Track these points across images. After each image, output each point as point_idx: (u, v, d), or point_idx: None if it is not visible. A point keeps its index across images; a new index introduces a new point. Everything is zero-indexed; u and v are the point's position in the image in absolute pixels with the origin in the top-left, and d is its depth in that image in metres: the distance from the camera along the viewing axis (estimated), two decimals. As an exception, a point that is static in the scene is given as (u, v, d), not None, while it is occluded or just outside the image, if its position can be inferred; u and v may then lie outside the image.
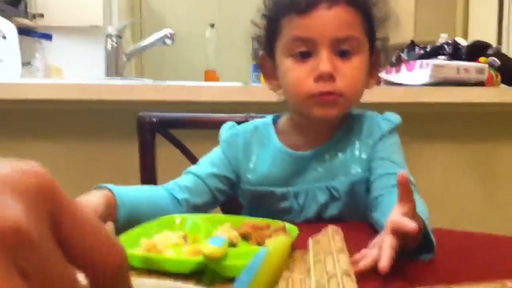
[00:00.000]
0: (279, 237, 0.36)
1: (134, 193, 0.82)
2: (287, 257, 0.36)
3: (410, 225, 0.57)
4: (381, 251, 0.57)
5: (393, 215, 0.60)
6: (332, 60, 0.82)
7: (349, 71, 0.83)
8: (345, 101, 0.84)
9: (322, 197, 0.87)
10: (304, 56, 0.84)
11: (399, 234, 0.58)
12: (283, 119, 0.95)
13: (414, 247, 0.63)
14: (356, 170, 0.87)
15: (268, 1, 0.89)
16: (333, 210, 0.87)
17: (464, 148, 1.77)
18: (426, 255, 0.64)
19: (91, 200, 0.72)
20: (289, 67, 0.85)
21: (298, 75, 0.84)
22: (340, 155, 0.88)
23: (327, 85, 0.82)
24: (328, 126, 0.89)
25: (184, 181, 0.90)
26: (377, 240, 0.62)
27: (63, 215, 0.24)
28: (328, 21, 0.82)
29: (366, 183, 0.87)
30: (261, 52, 0.93)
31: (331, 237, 0.59)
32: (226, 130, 0.96)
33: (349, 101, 0.85)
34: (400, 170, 0.83)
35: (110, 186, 0.77)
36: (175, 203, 0.87)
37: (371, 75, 0.91)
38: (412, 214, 0.61)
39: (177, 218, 0.72)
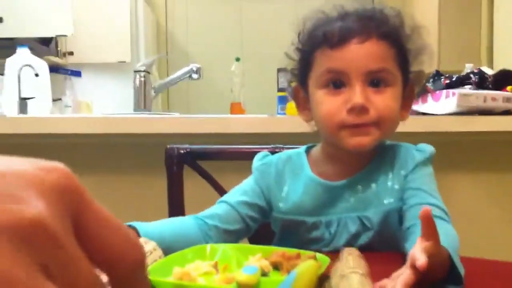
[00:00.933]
0: (308, 261, 0.36)
1: (159, 226, 0.83)
2: (316, 280, 0.36)
3: (419, 261, 0.56)
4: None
5: (415, 248, 0.60)
6: (365, 92, 0.82)
7: (382, 101, 0.83)
8: (379, 131, 0.84)
9: (353, 227, 0.86)
10: (337, 87, 0.84)
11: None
12: (316, 149, 0.96)
13: (441, 278, 0.63)
14: (389, 200, 0.86)
15: (302, 35, 0.91)
16: (364, 239, 0.87)
17: (491, 177, 1.74)
18: (454, 286, 0.63)
19: None
20: (321, 98, 0.86)
21: (331, 106, 0.84)
22: (372, 185, 0.88)
23: (359, 118, 0.82)
24: (361, 157, 0.89)
25: (216, 209, 0.91)
26: (400, 272, 0.62)
27: (85, 213, 0.24)
28: (361, 54, 0.83)
29: (399, 213, 0.86)
30: (294, 84, 0.95)
31: (345, 259, 0.59)
32: (259, 159, 0.97)
33: (383, 130, 0.85)
34: (432, 200, 0.82)
35: (134, 223, 0.79)
36: (205, 230, 0.87)
37: (405, 107, 0.91)
38: (436, 248, 0.60)
39: (208, 247, 0.72)
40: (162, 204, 1.24)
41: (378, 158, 0.90)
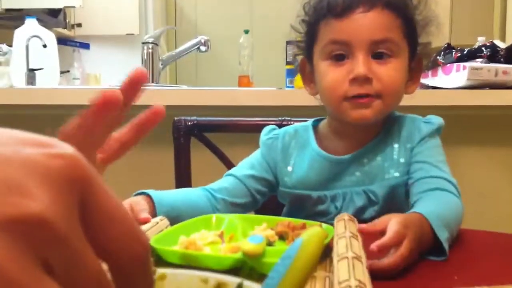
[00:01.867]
0: (315, 228, 0.36)
1: (171, 194, 0.84)
2: (322, 247, 0.36)
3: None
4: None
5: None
6: (368, 63, 0.81)
7: (386, 72, 0.82)
8: (382, 103, 0.83)
9: (359, 201, 0.86)
10: (340, 59, 0.83)
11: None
12: (323, 123, 0.95)
13: (427, 250, 0.64)
14: (394, 174, 0.86)
15: (308, 7, 0.90)
16: (370, 213, 0.87)
17: (502, 152, 1.73)
18: (438, 258, 0.64)
19: (137, 201, 0.75)
20: (325, 70, 0.85)
21: (334, 77, 0.84)
22: (378, 159, 0.87)
23: (362, 88, 0.81)
24: (367, 130, 0.88)
25: (223, 183, 0.92)
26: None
27: (93, 202, 0.23)
28: (364, 24, 0.82)
29: (406, 187, 0.86)
30: (300, 57, 0.94)
31: (336, 225, 0.60)
32: (265, 134, 0.97)
33: (387, 103, 0.83)
34: (436, 172, 0.82)
35: (147, 191, 0.79)
36: (213, 203, 0.88)
37: (413, 80, 0.90)
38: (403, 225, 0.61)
39: (214, 217, 0.72)
40: (169, 176, 1.25)
41: (385, 131, 0.89)
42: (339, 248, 0.50)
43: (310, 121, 0.97)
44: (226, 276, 0.38)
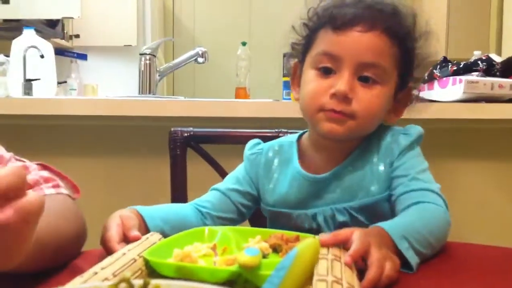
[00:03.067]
0: (309, 239, 0.36)
1: (162, 208, 0.84)
2: (317, 258, 0.36)
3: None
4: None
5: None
6: (352, 83, 0.81)
7: (367, 97, 0.82)
8: (356, 125, 0.82)
9: (341, 218, 0.85)
10: (327, 72, 0.83)
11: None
12: (305, 136, 0.94)
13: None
14: (375, 190, 0.85)
15: (313, 13, 0.89)
16: None
17: (498, 165, 1.73)
18: (405, 270, 0.63)
19: (128, 216, 0.74)
20: (310, 78, 0.85)
21: (316, 88, 0.84)
22: (358, 175, 0.86)
23: (339, 104, 0.81)
24: (345, 144, 0.88)
25: (208, 197, 0.92)
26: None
27: None
28: (358, 43, 0.82)
29: (390, 203, 0.85)
30: (294, 60, 0.94)
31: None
32: (249, 148, 0.97)
33: (361, 125, 0.83)
34: (417, 185, 0.81)
35: (136, 207, 0.78)
36: (201, 217, 0.88)
37: (395, 111, 0.89)
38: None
39: (206, 230, 0.72)
40: (165, 187, 1.24)
41: (364, 145, 0.88)
42: (319, 268, 0.49)
43: (295, 136, 0.96)
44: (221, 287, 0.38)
